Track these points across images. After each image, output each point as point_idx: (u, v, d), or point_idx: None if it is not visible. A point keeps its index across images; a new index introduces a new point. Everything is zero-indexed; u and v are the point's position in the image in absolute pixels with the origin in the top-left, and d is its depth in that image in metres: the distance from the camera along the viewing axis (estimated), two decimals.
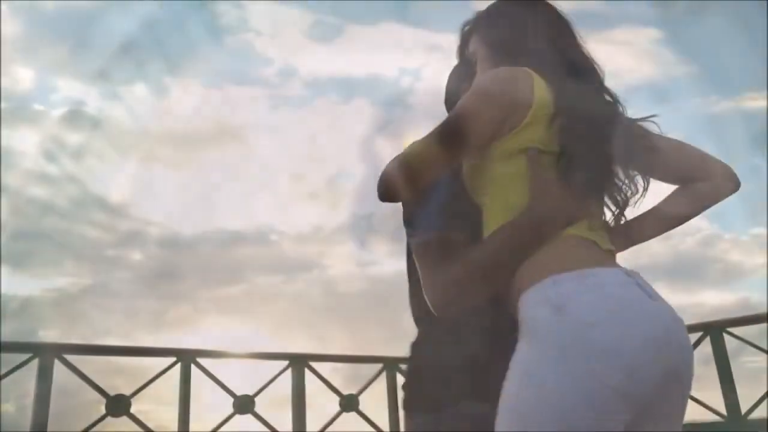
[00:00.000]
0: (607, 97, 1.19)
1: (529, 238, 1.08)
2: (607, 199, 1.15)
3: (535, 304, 0.99)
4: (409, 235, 1.25)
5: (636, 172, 1.16)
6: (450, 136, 1.13)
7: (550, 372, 0.92)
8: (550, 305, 0.96)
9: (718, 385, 3.01)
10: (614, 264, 1.09)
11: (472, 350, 1.20)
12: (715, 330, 3.07)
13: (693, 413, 3.06)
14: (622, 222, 1.18)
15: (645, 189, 1.16)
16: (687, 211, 1.26)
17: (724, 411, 2.94)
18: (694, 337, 3.13)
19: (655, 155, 1.15)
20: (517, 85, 1.11)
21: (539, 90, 1.10)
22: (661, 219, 1.24)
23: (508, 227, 1.09)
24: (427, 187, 1.16)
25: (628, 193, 1.15)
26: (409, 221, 1.26)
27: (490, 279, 1.11)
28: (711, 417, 2.99)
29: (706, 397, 3.05)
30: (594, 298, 0.97)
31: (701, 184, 1.23)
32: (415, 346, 1.33)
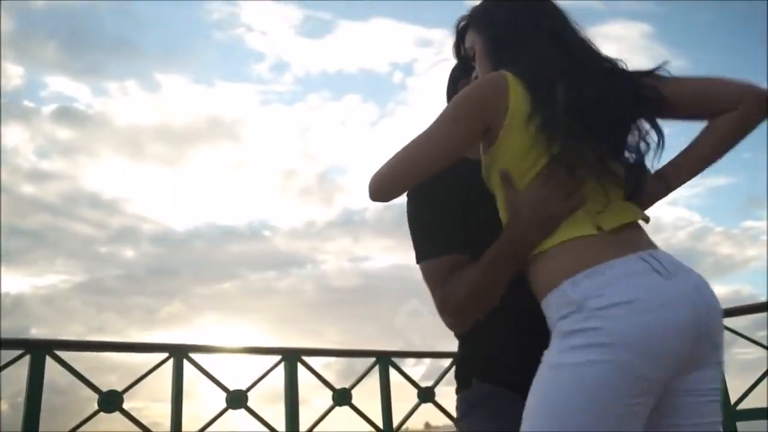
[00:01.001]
0: (607, 65, 1.20)
1: (511, 256, 1.17)
2: (615, 164, 1.17)
3: (558, 307, 1.07)
4: (417, 258, 1.35)
5: (647, 126, 1.17)
6: (428, 148, 1.20)
7: (579, 363, 1.01)
8: (572, 305, 1.04)
9: None
10: (625, 246, 1.10)
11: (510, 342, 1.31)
12: None
13: None
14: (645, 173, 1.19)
15: (660, 141, 1.18)
16: (723, 145, 1.21)
17: None
18: None
19: (666, 100, 1.17)
20: (489, 96, 1.16)
21: (515, 95, 1.14)
22: (697, 158, 1.23)
23: (494, 249, 1.20)
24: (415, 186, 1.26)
25: (642, 148, 1.17)
26: (416, 242, 1.36)
27: (489, 294, 1.23)
28: None
29: None
30: (612, 293, 1.04)
31: (732, 113, 1.18)
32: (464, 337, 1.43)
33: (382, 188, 1.23)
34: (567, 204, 1.12)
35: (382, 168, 1.23)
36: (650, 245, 1.14)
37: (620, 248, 1.09)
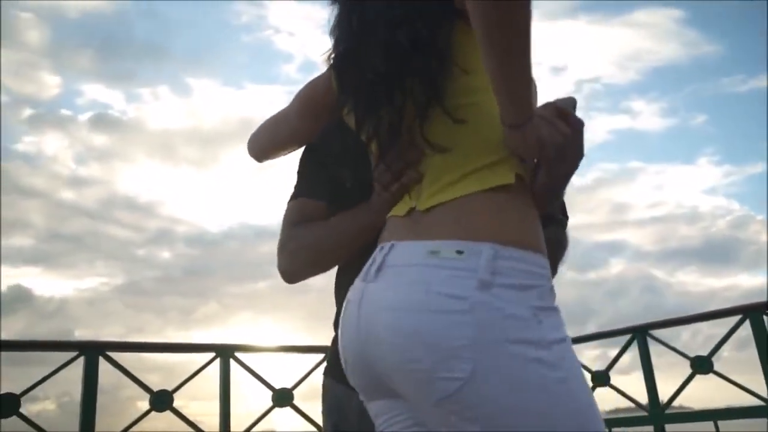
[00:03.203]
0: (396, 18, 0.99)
1: (361, 226, 1.17)
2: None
3: None
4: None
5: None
6: (276, 127, 1.30)
7: None
8: None
9: (758, 369, 2.96)
10: (398, 232, 0.99)
11: None
12: (754, 313, 3.01)
13: (732, 397, 3.03)
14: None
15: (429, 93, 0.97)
16: (489, 54, 0.87)
17: (765, 394, 2.90)
18: (732, 320, 3.07)
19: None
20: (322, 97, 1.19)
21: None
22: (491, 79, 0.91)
23: (350, 213, 1.20)
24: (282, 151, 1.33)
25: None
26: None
27: (327, 254, 1.23)
28: (752, 401, 2.94)
29: (745, 380, 3.01)
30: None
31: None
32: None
33: (249, 152, 1.35)
34: (386, 192, 1.06)
35: (255, 131, 1.33)
36: (428, 234, 0.92)
37: (393, 233, 1.00)
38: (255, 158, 1.35)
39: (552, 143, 0.94)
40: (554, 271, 1.27)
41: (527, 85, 0.89)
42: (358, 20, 1.04)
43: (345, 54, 1.06)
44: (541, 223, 1.00)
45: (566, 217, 1.20)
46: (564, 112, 0.97)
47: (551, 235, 1.07)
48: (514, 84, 0.88)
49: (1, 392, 2.11)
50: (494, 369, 0.81)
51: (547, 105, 0.98)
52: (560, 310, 0.93)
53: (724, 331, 3.08)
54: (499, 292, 0.84)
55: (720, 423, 2.99)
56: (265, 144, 1.32)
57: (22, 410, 2.11)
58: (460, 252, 0.87)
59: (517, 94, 0.89)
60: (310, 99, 1.21)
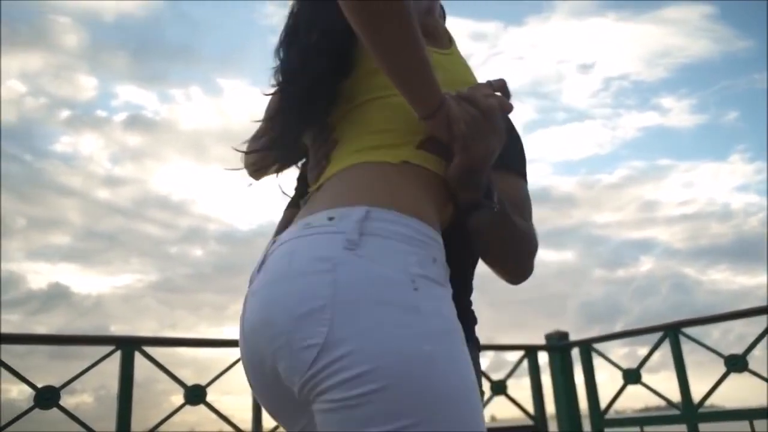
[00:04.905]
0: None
1: None
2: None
3: None
4: None
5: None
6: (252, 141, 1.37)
7: None
8: None
9: None
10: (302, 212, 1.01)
11: None
12: None
13: (762, 396, 2.97)
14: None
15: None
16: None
17: None
18: (761, 320, 3.01)
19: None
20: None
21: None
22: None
23: None
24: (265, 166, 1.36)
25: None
26: None
27: None
28: None
29: None
30: None
31: None
32: None
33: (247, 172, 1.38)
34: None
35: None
36: (308, 212, 0.93)
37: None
38: (251, 175, 1.39)
39: (461, 119, 0.96)
40: (514, 262, 1.22)
41: (423, 79, 0.92)
42: (291, 35, 1.16)
43: (280, 62, 1.17)
44: (468, 210, 1.05)
45: (492, 201, 1.12)
46: (469, 97, 0.98)
47: (477, 222, 1.09)
48: (407, 81, 0.92)
49: (42, 385, 2.18)
50: (353, 332, 0.73)
51: (465, 89, 1.01)
52: (449, 289, 0.87)
53: (755, 329, 3.01)
54: (367, 252, 0.79)
55: (755, 423, 2.93)
56: (247, 158, 1.36)
57: (61, 402, 2.18)
58: (330, 218, 0.85)
59: (415, 90, 0.94)
60: (271, 102, 1.29)
